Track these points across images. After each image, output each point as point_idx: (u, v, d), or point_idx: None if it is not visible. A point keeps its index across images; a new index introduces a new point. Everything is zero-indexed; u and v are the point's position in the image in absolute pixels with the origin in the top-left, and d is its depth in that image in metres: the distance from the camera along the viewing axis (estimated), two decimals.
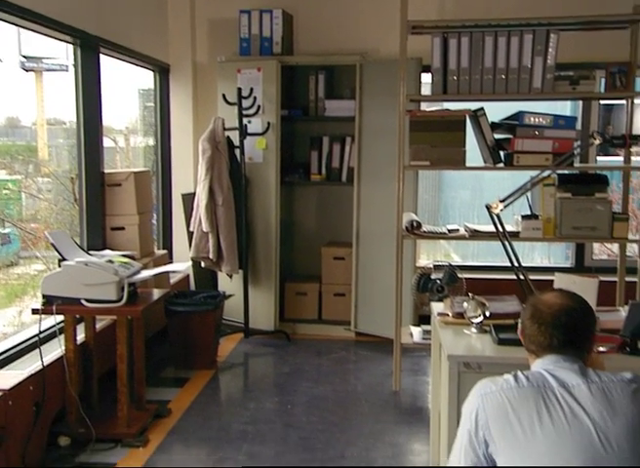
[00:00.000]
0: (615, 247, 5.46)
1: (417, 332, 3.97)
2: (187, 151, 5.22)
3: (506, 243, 2.50)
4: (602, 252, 5.68)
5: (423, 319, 4.36)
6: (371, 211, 4.80)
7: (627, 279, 4.01)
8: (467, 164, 3.80)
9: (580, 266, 5.20)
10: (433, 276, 3.84)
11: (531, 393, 1.54)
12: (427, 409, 3.62)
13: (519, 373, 1.60)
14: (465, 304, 2.39)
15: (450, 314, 2.53)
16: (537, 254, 5.85)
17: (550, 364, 1.62)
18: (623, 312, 2.51)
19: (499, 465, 1.56)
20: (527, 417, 1.51)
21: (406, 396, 3.89)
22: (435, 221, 6.13)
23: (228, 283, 4.92)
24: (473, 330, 2.38)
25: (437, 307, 2.70)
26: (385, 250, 4.55)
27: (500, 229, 2.50)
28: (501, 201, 2.54)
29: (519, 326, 1.75)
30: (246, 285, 4.83)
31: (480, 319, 2.36)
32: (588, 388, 1.53)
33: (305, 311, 5.10)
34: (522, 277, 2.46)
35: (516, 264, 2.50)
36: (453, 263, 3.95)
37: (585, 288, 2.27)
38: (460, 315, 2.46)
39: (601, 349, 2.14)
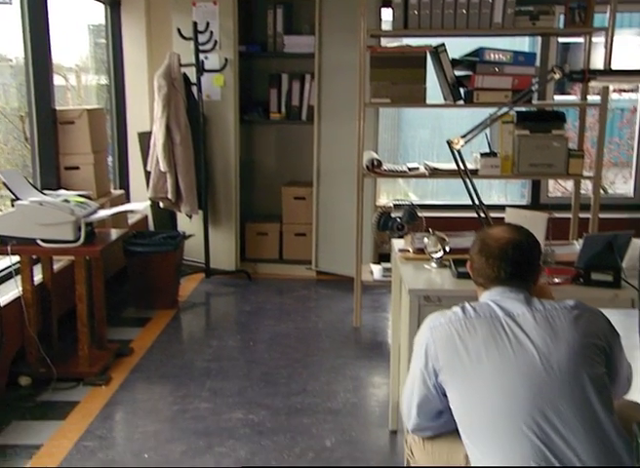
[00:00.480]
0: (569, 184, 5.57)
1: (377, 270, 4.01)
2: (142, 88, 5.05)
3: (467, 180, 2.50)
4: (556, 190, 5.77)
5: (383, 257, 4.43)
6: (331, 149, 4.74)
7: (581, 215, 4.09)
8: (428, 101, 3.77)
9: (536, 203, 5.29)
10: (393, 214, 3.82)
11: (478, 323, 1.57)
12: (387, 344, 3.69)
13: (467, 305, 1.63)
14: (426, 240, 2.39)
15: (410, 250, 2.54)
16: (494, 193, 5.92)
17: (497, 295, 1.64)
18: (577, 245, 2.55)
19: (448, 394, 1.59)
20: (474, 347, 1.54)
21: (366, 332, 3.94)
22: (395, 161, 6.11)
23: (188, 223, 4.86)
24: (433, 265, 2.38)
25: (398, 244, 2.70)
26: (346, 189, 4.53)
27: (462, 166, 2.50)
28: (462, 136, 2.53)
29: (468, 260, 1.76)
30: (206, 225, 4.78)
31: (440, 254, 2.37)
32: (533, 316, 1.56)
33: (266, 251, 5.08)
34: (482, 214, 2.47)
35: (477, 201, 2.51)
36: (413, 202, 3.99)
37: (535, 222, 2.26)
38: (421, 251, 2.46)
39: (556, 280, 2.18)
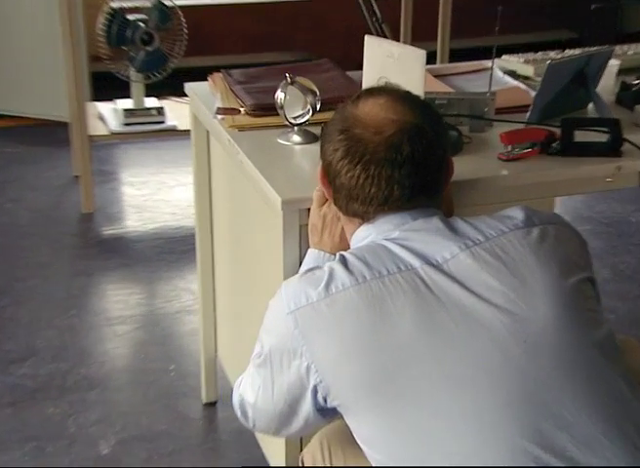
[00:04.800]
0: None
1: (111, 114, 3.38)
2: None
3: None
4: None
5: (116, 88, 3.57)
6: None
7: None
8: None
9: None
10: (132, 17, 3.25)
11: (380, 290, 1.26)
12: (158, 243, 3.18)
13: (349, 257, 1.30)
14: (280, 94, 1.75)
15: (242, 108, 1.88)
16: None
17: (394, 229, 1.35)
18: (499, 72, 2.10)
19: (353, 429, 1.31)
20: (382, 335, 1.25)
21: (108, 220, 3.36)
22: None
23: None
24: (295, 137, 1.78)
25: (204, 98, 2.02)
26: None
27: None
28: None
29: (320, 167, 1.41)
30: None
31: (309, 116, 1.77)
32: (471, 256, 1.28)
33: None
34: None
35: None
36: None
37: (407, 64, 1.86)
38: (265, 108, 1.85)
39: (515, 151, 1.72)
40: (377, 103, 1.37)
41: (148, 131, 3.28)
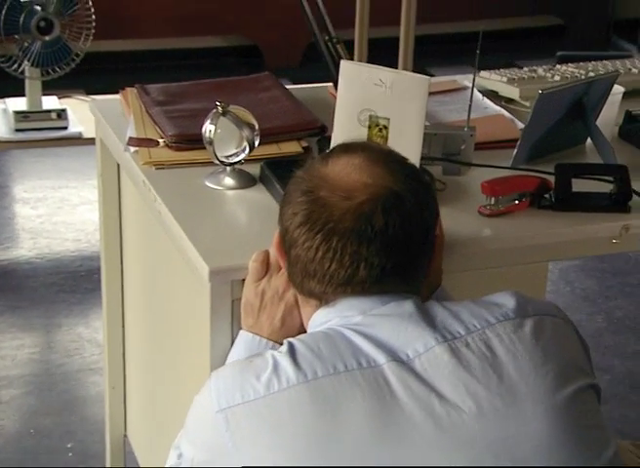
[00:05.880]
0: None
1: None
2: None
3: None
4: None
5: None
6: None
7: None
8: None
9: None
10: None
11: (333, 390, 1.25)
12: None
13: (297, 346, 1.28)
14: (209, 126, 1.69)
15: (162, 139, 1.80)
16: None
17: (358, 314, 1.33)
18: (477, 94, 2.04)
19: None
20: (332, 449, 1.23)
21: None
22: None
23: None
24: (227, 180, 1.74)
25: (113, 121, 1.96)
26: None
27: None
28: None
29: (276, 234, 1.41)
30: None
31: (244, 155, 1.72)
32: (449, 349, 1.27)
33: None
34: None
35: None
36: None
37: (408, 96, 1.76)
38: (192, 141, 1.81)
39: (499, 204, 1.71)
40: (350, 163, 1.34)
41: (47, 139, 3.19)
